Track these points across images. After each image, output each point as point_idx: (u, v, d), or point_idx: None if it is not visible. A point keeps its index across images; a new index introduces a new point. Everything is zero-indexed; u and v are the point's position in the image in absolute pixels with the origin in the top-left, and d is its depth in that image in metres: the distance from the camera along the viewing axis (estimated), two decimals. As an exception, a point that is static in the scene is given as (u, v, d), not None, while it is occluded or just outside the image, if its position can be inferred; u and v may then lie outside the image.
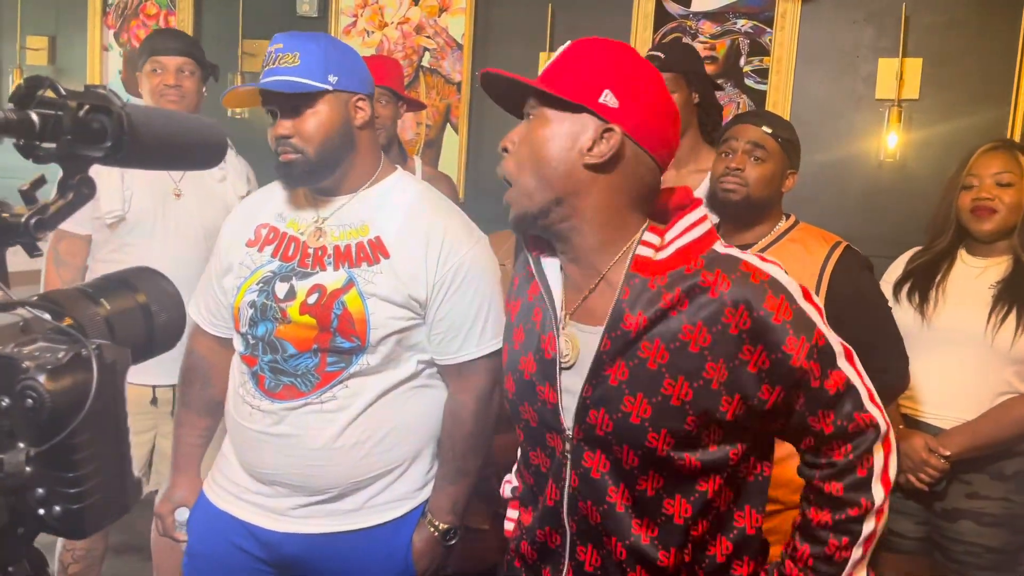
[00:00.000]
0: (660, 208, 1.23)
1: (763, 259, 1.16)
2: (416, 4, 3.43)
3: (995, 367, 2.02)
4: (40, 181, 0.68)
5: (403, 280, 1.52)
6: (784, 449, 1.71)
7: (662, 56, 2.33)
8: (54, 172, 0.67)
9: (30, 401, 0.59)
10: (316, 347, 1.51)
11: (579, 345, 1.20)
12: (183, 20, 3.80)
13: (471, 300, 1.55)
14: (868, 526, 1.16)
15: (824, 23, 2.85)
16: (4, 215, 0.66)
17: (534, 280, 1.28)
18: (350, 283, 1.51)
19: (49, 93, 0.65)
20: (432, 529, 1.62)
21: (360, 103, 1.56)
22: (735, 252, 1.16)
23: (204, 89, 2.52)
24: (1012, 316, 1.98)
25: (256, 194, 1.76)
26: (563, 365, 1.22)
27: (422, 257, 1.53)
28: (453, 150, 3.43)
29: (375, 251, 1.53)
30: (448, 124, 3.45)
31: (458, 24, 3.37)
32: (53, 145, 0.66)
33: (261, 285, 1.56)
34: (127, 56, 3.95)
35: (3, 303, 0.65)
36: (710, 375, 1.10)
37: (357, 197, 1.59)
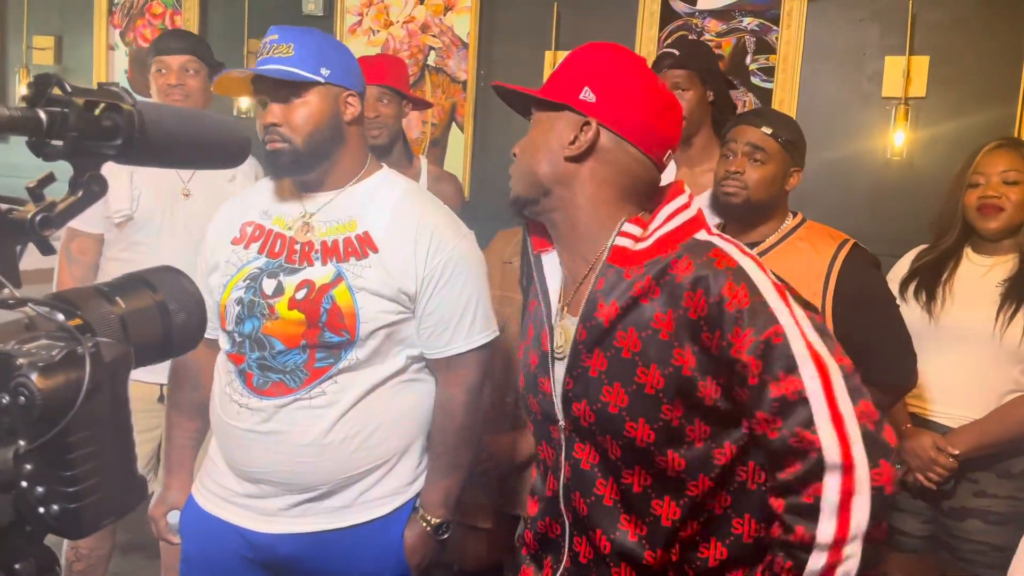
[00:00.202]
0: (656, 202, 1.25)
1: (742, 251, 1.14)
2: (421, 3, 3.43)
3: (1003, 365, 2.01)
4: (48, 179, 0.68)
5: (392, 274, 1.53)
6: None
7: (676, 53, 2.33)
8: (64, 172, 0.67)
9: (22, 399, 0.59)
10: (304, 343, 1.52)
11: (570, 337, 1.23)
12: (189, 19, 3.81)
13: (460, 294, 1.57)
14: (816, 561, 1.07)
15: (830, 21, 2.84)
16: (12, 212, 0.66)
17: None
18: (339, 277, 1.52)
19: (57, 91, 0.65)
20: (424, 524, 1.63)
21: (351, 99, 1.57)
22: (714, 239, 1.16)
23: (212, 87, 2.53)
24: (1020, 314, 1.97)
25: (241, 193, 1.77)
26: (556, 356, 1.25)
27: (411, 252, 1.54)
28: (459, 149, 3.43)
29: (363, 246, 1.54)
30: (453, 123, 3.45)
31: (463, 23, 3.37)
32: (61, 142, 0.66)
33: (248, 282, 1.56)
34: (133, 55, 3.95)
35: (11, 300, 0.65)
36: (679, 361, 1.11)
37: (344, 193, 1.59)
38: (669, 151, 1.24)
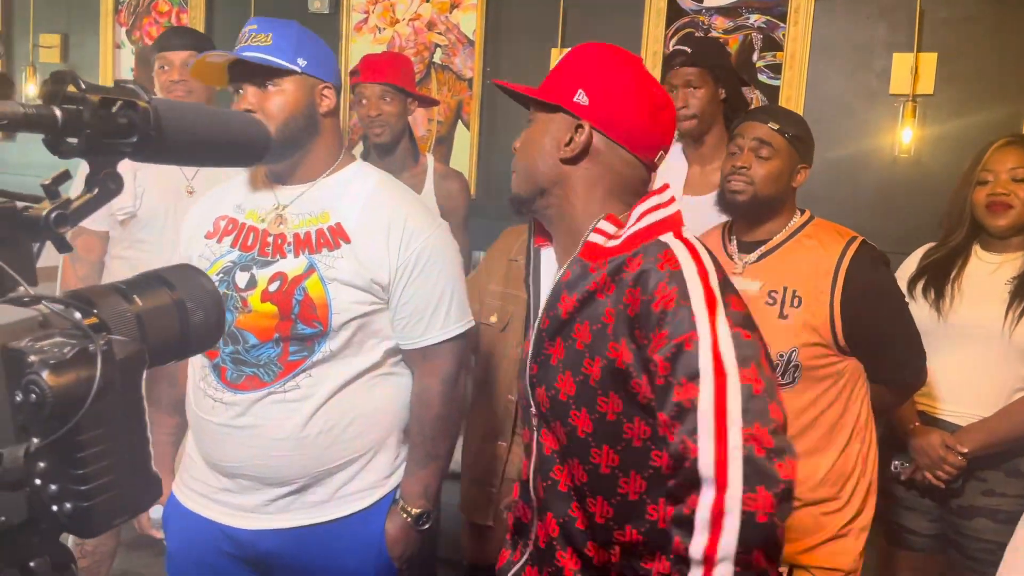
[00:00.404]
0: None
1: (698, 258, 1.14)
2: (427, 1, 3.43)
3: (1012, 363, 2.01)
4: (63, 176, 0.68)
5: (365, 264, 1.53)
6: (800, 446, 1.71)
7: (688, 51, 2.32)
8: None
9: (33, 396, 0.59)
10: (277, 336, 1.52)
11: None
12: (195, 17, 3.81)
13: (434, 284, 1.58)
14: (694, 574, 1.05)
15: (838, 18, 2.83)
16: (28, 210, 0.66)
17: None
18: (311, 268, 1.53)
19: (72, 88, 0.65)
20: (404, 515, 1.64)
21: (326, 91, 1.59)
22: (672, 241, 1.17)
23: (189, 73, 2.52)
24: (1029, 312, 1.96)
25: (214, 189, 1.77)
26: None
27: (384, 242, 1.55)
28: (464, 146, 3.43)
29: (335, 237, 1.55)
30: (459, 121, 3.45)
31: (469, 20, 3.37)
32: (76, 140, 0.66)
33: (221, 275, 1.57)
34: (139, 53, 3.96)
35: (27, 297, 0.65)
36: (614, 354, 1.14)
37: (317, 185, 1.60)
38: (661, 151, 1.26)
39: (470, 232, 2.74)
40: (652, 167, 1.27)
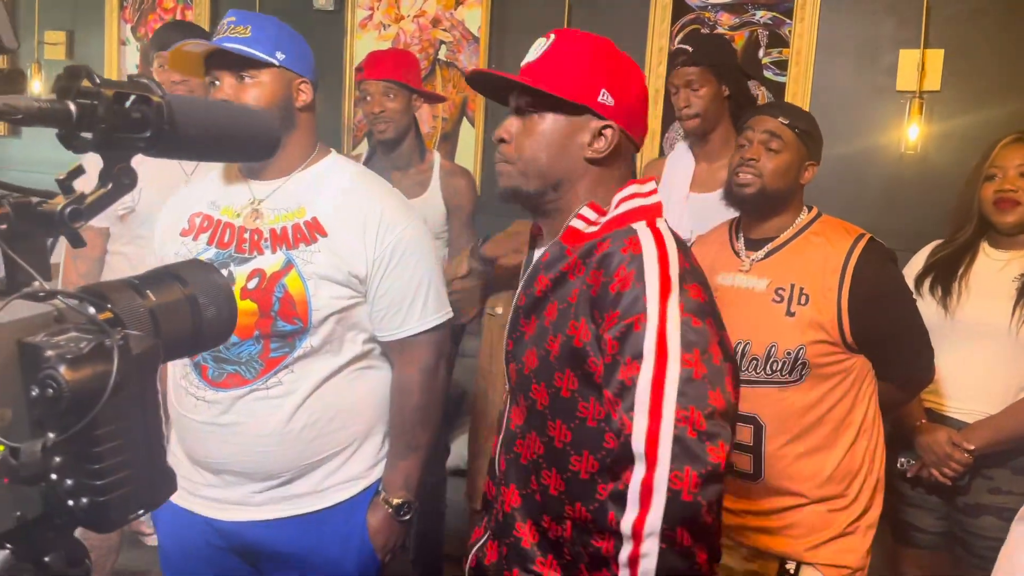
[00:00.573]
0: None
1: (662, 246, 1.17)
2: (432, -3, 3.43)
3: (1019, 361, 2.00)
4: (78, 171, 0.68)
5: (342, 257, 1.54)
6: (807, 443, 1.71)
7: (690, 50, 2.32)
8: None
9: (50, 391, 0.59)
10: (258, 333, 1.53)
11: None
12: (200, 14, 3.81)
13: (411, 276, 1.59)
14: (624, 551, 1.09)
15: (844, 14, 2.82)
16: (43, 205, 0.66)
17: None
18: (289, 264, 1.53)
19: (86, 83, 0.65)
20: (387, 506, 1.65)
21: (303, 85, 1.60)
22: (641, 229, 1.20)
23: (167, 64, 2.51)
24: (1037, 309, 1.96)
25: (188, 185, 1.77)
26: None
27: (360, 234, 1.55)
28: (469, 143, 3.43)
29: (312, 231, 1.55)
30: (464, 117, 3.45)
31: (474, 17, 3.37)
32: (90, 135, 0.66)
33: None
34: (144, 50, 3.95)
35: (42, 292, 0.65)
36: (572, 331, 1.18)
37: (292, 179, 1.60)
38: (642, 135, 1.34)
39: (475, 228, 2.74)
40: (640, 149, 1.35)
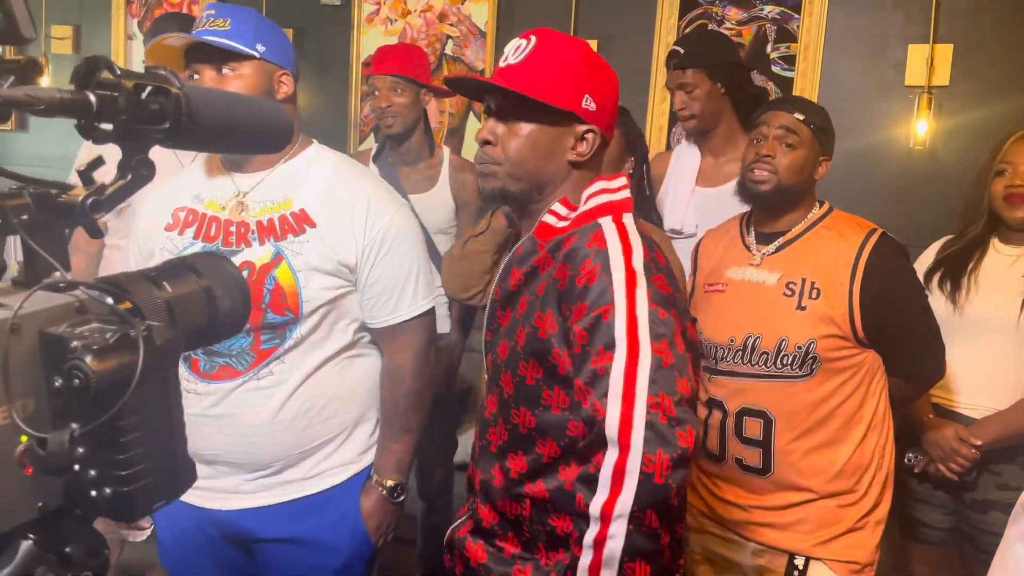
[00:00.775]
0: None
1: (626, 239, 1.21)
2: (439, -8, 3.42)
3: (1028, 357, 2.00)
4: (97, 162, 0.68)
5: (331, 246, 1.55)
6: (817, 438, 1.71)
7: (681, 52, 2.31)
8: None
9: (77, 381, 0.59)
10: (248, 326, 1.53)
11: None
12: (206, 9, 3.81)
13: (400, 262, 1.61)
14: (590, 534, 1.12)
15: (852, 9, 2.81)
16: (62, 197, 0.66)
17: None
18: (279, 256, 1.54)
19: (107, 74, 0.65)
20: (380, 488, 1.68)
21: (284, 78, 1.61)
22: (607, 224, 1.24)
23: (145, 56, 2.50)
24: (1046, 305, 1.95)
25: (169, 179, 1.76)
26: None
27: (348, 223, 1.56)
28: (476, 138, 3.42)
29: (300, 222, 1.56)
30: (471, 112, 3.44)
31: (481, 12, 3.36)
32: (110, 126, 0.66)
33: None
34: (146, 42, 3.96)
35: (62, 283, 0.65)
36: (538, 323, 1.23)
37: (276, 171, 1.61)
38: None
39: (483, 224, 2.74)
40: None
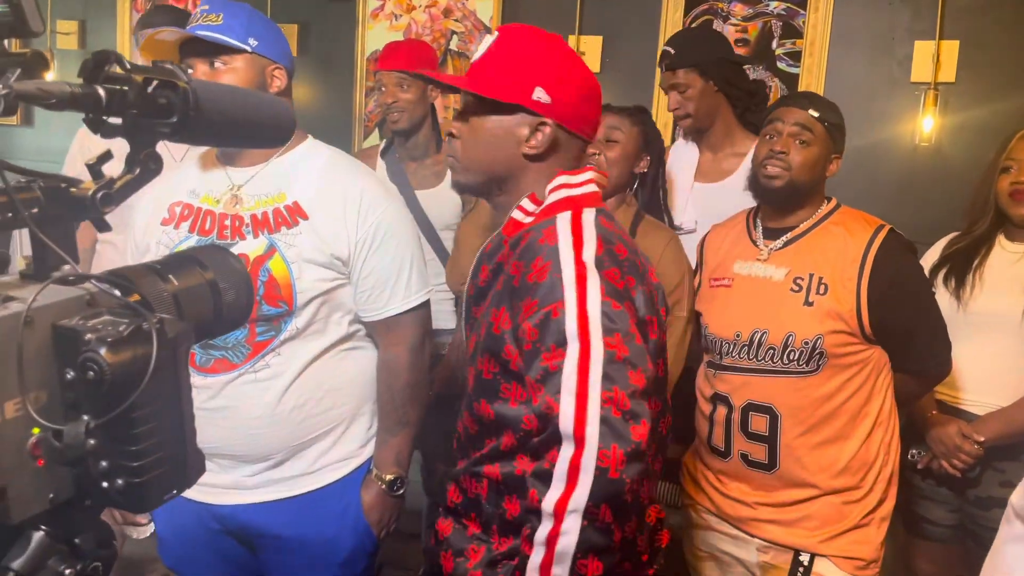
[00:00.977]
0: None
1: (578, 235, 1.21)
2: (444, -13, 3.42)
3: (1032, 353, 1.99)
4: (106, 156, 0.69)
5: (324, 239, 1.56)
6: (823, 434, 1.71)
7: (672, 52, 2.30)
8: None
9: (91, 373, 0.60)
10: None
11: None
12: (211, 4, 3.80)
13: (394, 255, 1.62)
14: (543, 530, 1.12)
15: (858, 5, 2.80)
16: (72, 190, 0.67)
17: None
18: (272, 248, 1.56)
19: (116, 68, 0.65)
20: (379, 482, 1.69)
21: (277, 72, 1.62)
22: (561, 221, 1.24)
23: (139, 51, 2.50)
24: (1051, 302, 1.95)
25: (165, 174, 1.78)
26: None
27: (341, 216, 1.58)
28: (481, 134, 3.41)
29: (293, 215, 1.58)
30: (476, 108, 3.43)
31: (486, 7, 3.36)
32: (119, 120, 0.66)
33: None
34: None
35: (72, 276, 0.65)
36: (493, 318, 1.25)
37: (270, 165, 1.62)
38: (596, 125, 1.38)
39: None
40: (588, 139, 1.37)
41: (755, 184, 1.83)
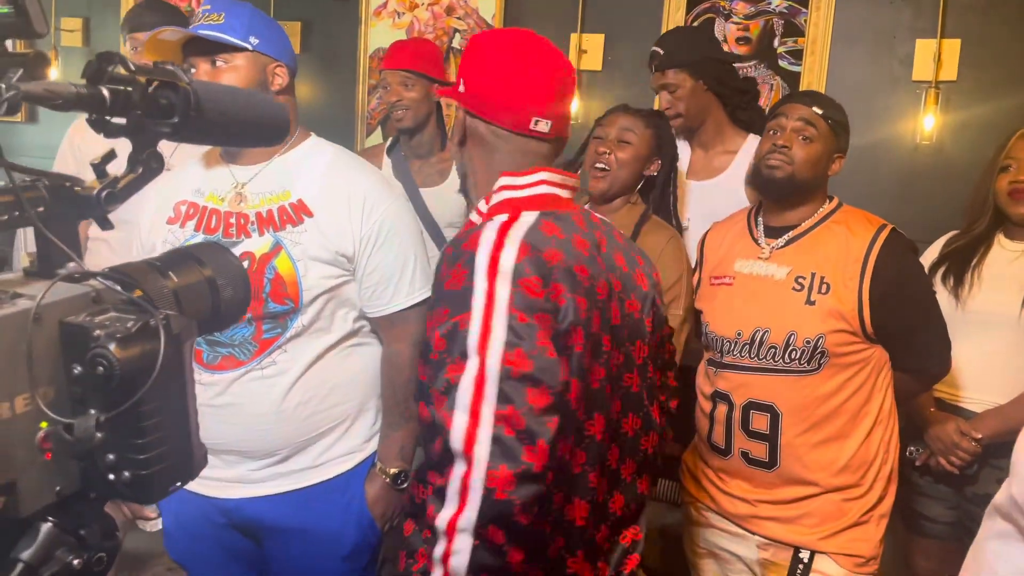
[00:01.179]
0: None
1: (500, 240, 1.16)
2: (447, -15, 3.42)
3: (1030, 351, 2.00)
4: (110, 155, 0.70)
5: (329, 236, 1.58)
6: (824, 432, 1.72)
7: (661, 53, 2.31)
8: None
9: (101, 369, 0.61)
10: (250, 316, 1.56)
11: None
12: (214, 2, 3.81)
13: (398, 252, 1.64)
14: (439, 548, 1.10)
15: (860, 3, 2.81)
16: (76, 189, 0.68)
17: None
18: (278, 246, 1.57)
19: (120, 69, 0.66)
20: (383, 476, 1.70)
21: (278, 69, 1.64)
22: (490, 225, 1.19)
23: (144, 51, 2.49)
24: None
25: (170, 174, 1.79)
26: None
27: (346, 213, 1.59)
28: (483, 132, 3.42)
29: (298, 212, 1.59)
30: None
31: (489, 5, 3.36)
32: (123, 120, 0.67)
33: None
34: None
35: (77, 274, 0.66)
36: (427, 324, 1.21)
37: (274, 163, 1.64)
38: (535, 119, 1.28)
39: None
40: (533, 135, 1.29)
41: (756, 177, 1.83)
